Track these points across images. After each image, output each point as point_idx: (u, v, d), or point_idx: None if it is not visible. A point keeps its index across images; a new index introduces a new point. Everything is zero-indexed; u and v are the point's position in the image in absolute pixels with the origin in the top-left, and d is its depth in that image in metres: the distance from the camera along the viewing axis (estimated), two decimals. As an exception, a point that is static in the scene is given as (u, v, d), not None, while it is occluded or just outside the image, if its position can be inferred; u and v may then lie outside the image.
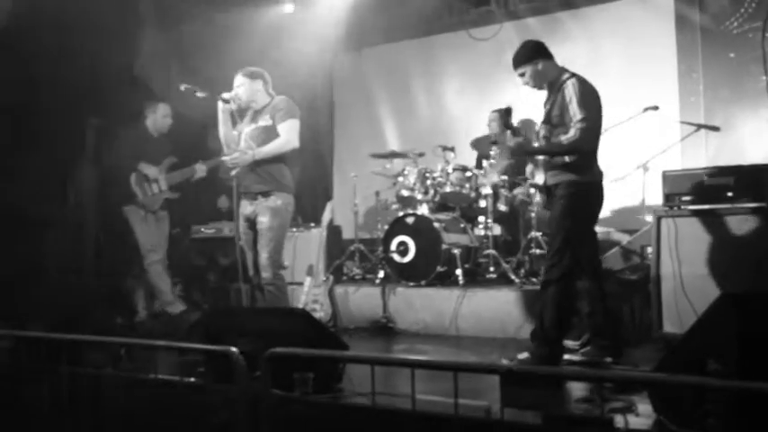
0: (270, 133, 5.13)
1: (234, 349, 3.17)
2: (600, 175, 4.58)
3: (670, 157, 6.86)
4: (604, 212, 7.16)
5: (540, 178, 4.65)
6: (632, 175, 7.01)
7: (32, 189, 6.61)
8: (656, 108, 6.50)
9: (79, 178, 6.25)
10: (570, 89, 4.41)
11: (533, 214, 6.72)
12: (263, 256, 5.05)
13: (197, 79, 8.40)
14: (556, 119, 4.51)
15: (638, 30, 7.45)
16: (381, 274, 6.73)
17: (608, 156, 6.78)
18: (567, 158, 4.48)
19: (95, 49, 6.80)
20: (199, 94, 5.16)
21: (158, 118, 6.56)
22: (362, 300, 6.57)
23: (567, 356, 4.60)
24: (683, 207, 5.01)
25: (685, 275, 4.84)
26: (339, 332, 6.10)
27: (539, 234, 6.60)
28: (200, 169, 6.42)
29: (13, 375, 3.96)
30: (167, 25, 8.31)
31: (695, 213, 4.93)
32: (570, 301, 4.49)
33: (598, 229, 7.04)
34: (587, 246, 4.57)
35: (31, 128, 6.65)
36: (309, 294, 6.51)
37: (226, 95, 5.14)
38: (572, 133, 4.36)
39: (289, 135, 5.10)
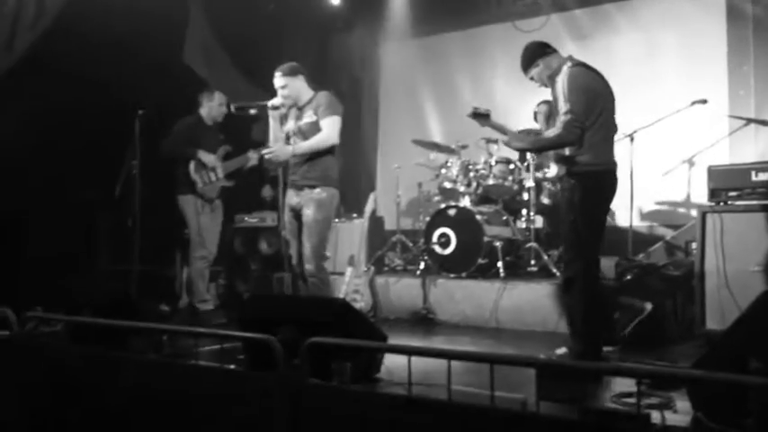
0: (315, 129, 5.17)
1: (273, 338, 3.21)
2: (611, 164, 4.43)
3: (718, 152, 6.75)
4: (649, 207, 7.17)
5: (553, 170, 4.61)
6: (678, 170, 6.93)
7: (85, 179, 6.78)
8: (704, 102, 6.38)
9: (128, 167, 6.34)
10: (560, 83, 4.34)
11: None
12: (307, 248, 5.10)
13: (245, 70, 8.60)
14: (556, 112, 4.45)
15: (688, 21, 7.31)
16: (422, 265, 6.74)
17: (654, 149, 6.81)
18: (566, 151, 4.37)
19: (144, 39, 6.93)
20: (252, 112, 5.26)
21: (214, 106, 6.58)
22: (403, 291, 6.60)
23: None
24: (728, 203, 4.93)
25: (730, 272, 4.77)
26: (379, 322, 6.10)
27: (581, 227, 6.57)
28: (252, 157, 6.46)
29: (62, 359, 4.05)
30: (214, 17, 8.41)
31: (741, 209, 4.85)
32: (597, 295, 4.39)
33: (642, 223, 7.07)
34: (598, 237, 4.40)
35: (84, 118, 6.82)
36: (350, 284, 6.54)
37: (276, 102, 5.19)
38: (556, 127, 4.30)
39: (329, 131, 5.13)
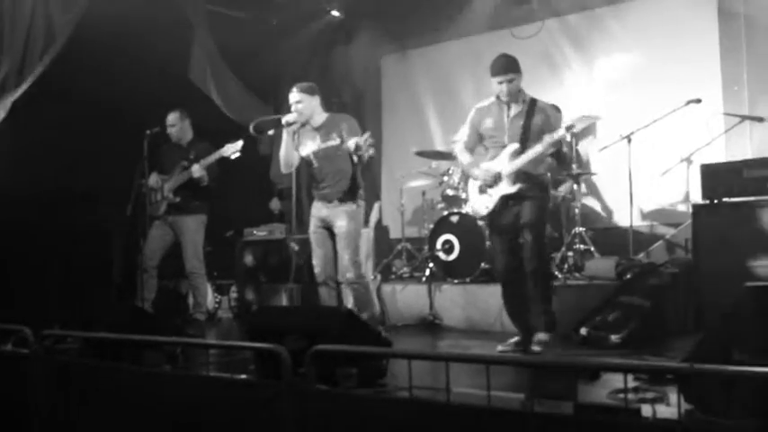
0: (337, 151, 5.32)
1: (280, 347, 3.34)
2: None
3: (714, 150, 6.82)
4: (649, 206, 7.27)
5: (507, 188, 4.94)
6: (676, 169, 7.01)
7: (98, 198, 6.95)
8: (698, 101, 6.46)
9: (137, 186, 6.51)
10: (548, 110, 5.03)
11: (577, 210, 6.80)
12: (346, 258, 5.30)
13: (249, 85, 8.74)
14: (535, 134, 4.93)
15: (681, 21, 7.34)
16: (428, 272, 6.85)
17: (651, 149, 6.91)
18: (541, 169, 5.08)
19: (150, 59, 7.11)
20: (270, 133, 5.43)
21: (168, 126, 6.68)
22: (410, 297, 6.73)
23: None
24: (722, 200, 5.03)
25: (725, 268, 4.84)
26: (387, 329, 6.24)
27: (582, 230, 6.71)
28: (195, 170, 6.38)
29: (80, 374, 4.18)
30: (218, 32, 8.55)
31: (734, 206, 4.94)
32: None
33: (642, 222, 7.19)
34: None
35: (95, 138, 7.03)
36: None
37: (290, 118, 5.33)
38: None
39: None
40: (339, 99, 8.62)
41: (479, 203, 5.13)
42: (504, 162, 4.96)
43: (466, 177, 6.85)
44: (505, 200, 4.98)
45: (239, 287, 7.83)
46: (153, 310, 6.34)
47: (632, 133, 6.54)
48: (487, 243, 6.44)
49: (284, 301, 7.27)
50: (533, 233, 4.92)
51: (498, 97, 5.09)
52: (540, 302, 4.98)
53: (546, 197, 5.17)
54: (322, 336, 3.52)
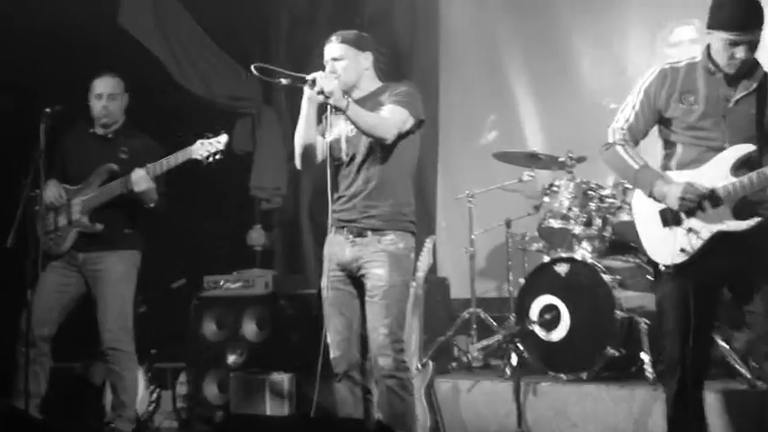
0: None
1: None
2: None
3: None
4: None
5: (730, 221, 4.61)
6: None
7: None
8: None
9: (26, 199, 6.44)
10: None
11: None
12: (381, 333, 5.19)
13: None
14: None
15: None
16: (514, 359, 6.53)
17: None
18: None
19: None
20: (284, 82, 5.18)
21: (92, 101, 6.65)
22: (483, 402, 6.65)
23: None
24: None
25: None
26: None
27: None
28: (138, 179, 6.25)
29: None
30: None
31: None
32: None
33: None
34: None
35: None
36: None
37: (320, 78, 5.16)
38: None
39: (394, 117, 5.18)
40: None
41: (669, 243, 4.73)
42: (723, 174, 4.62)
43: (583, 198, 6.64)
44: (722, 241, 4.62)
45: (193, 376, 7.80)
46: (42, 415, 6.27)
47: None
48: (618, 313, 6.26)
49: (269, 406, 7.14)
50: None
51: (712, 60, 4.69)
52: None
53: None
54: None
